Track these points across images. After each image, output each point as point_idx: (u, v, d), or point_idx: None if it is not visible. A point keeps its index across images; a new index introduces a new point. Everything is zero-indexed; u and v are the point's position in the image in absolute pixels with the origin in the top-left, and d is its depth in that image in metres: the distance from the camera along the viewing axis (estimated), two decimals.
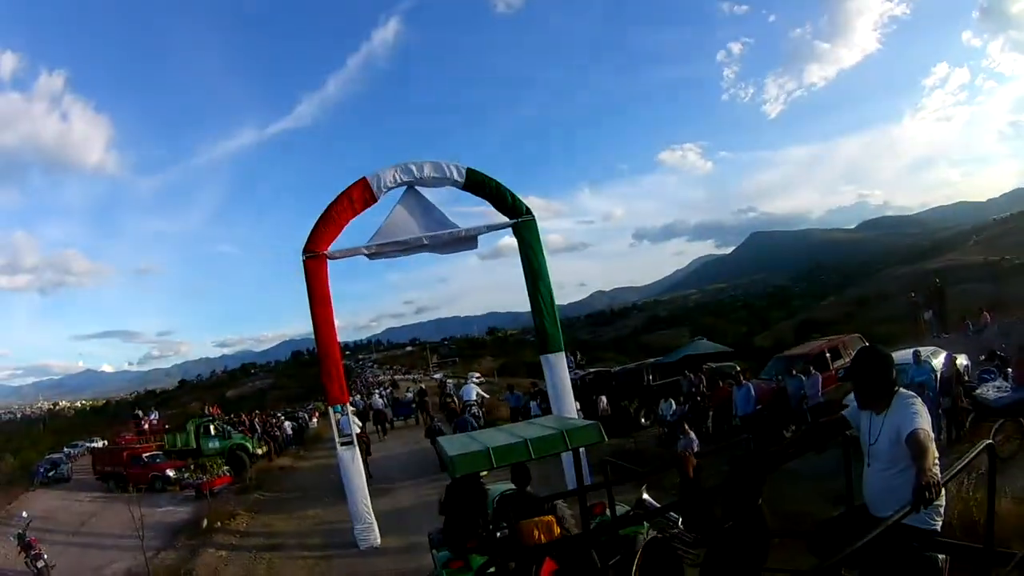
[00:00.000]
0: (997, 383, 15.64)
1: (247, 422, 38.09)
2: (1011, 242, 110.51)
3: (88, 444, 49.17)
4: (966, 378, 16.68)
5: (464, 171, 15.65)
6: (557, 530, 7.98)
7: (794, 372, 19.50)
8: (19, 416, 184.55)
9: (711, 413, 21.16)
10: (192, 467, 24.52)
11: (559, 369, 15.76)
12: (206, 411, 38.00)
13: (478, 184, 15.82)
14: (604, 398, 24.72)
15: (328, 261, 15.08)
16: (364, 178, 15.33)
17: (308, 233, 15.20)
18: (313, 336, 15.11)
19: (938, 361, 15.97)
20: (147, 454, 29.34)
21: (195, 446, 31.23)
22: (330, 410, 16.19)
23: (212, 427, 32.53)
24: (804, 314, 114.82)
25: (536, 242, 15.89)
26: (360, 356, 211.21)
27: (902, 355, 16.48)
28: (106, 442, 38.73)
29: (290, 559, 15.19)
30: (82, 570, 16.26)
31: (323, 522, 18.09)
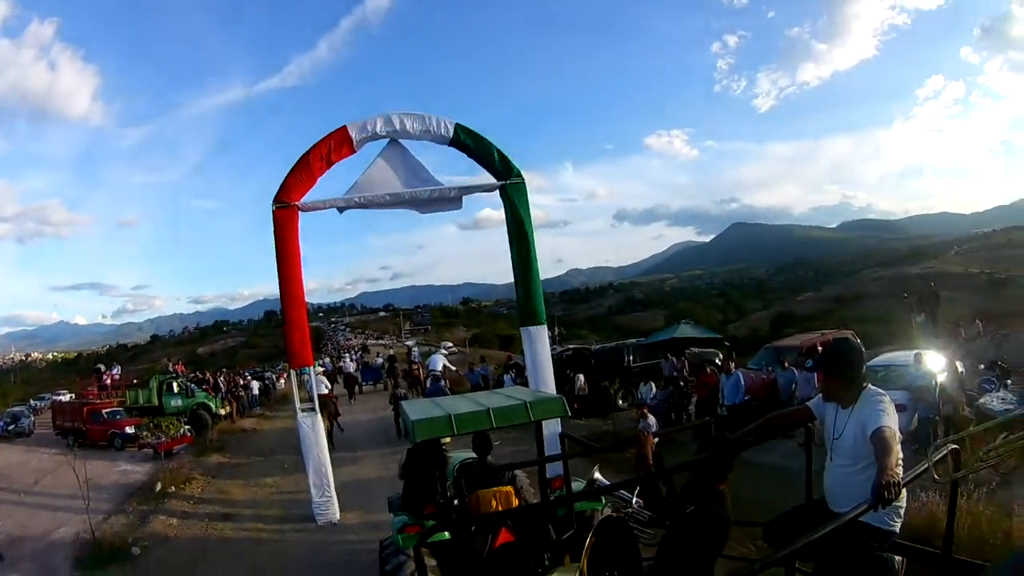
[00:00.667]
0: (1000, 394, 15.35)
1: (211, 380, 37.20)
2: (994, 256, 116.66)
3: (54, 397, 48.37)
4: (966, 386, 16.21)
5: (452, 126, 14.49)
6: (515, 501, 8.16)
7: (787, 364, 18.83)
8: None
9: (694, 400, 20.41)
10: (152, 426, 23.44)
11: (540, 343, 14.77)
12: (170, 368, 36.85)
13: (466, 141, 14.70)
14: (582, 376, 24.02)
15: (300, 213, 14.03)
16: (344, 126, 14.19)
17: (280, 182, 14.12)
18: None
19: (938, 366, 15.76)
20: (107, 410, 28.46)
21: (157, 403, 30.44)
22: (292, 373, 15.14)
23: (175, 384, 31.58)
24: (780, 307, 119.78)
25: (524, 207, 14.81)
26: (333, 319, 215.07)
27: (901, 355, 17.21)
28: (73, 396, 37.65)
29: (243, 531, 14.31)
30: (27, 534, 15.32)
31: (281, 491, 17.34)
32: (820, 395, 5.47)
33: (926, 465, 4.53)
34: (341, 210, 14.75)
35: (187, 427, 27.82)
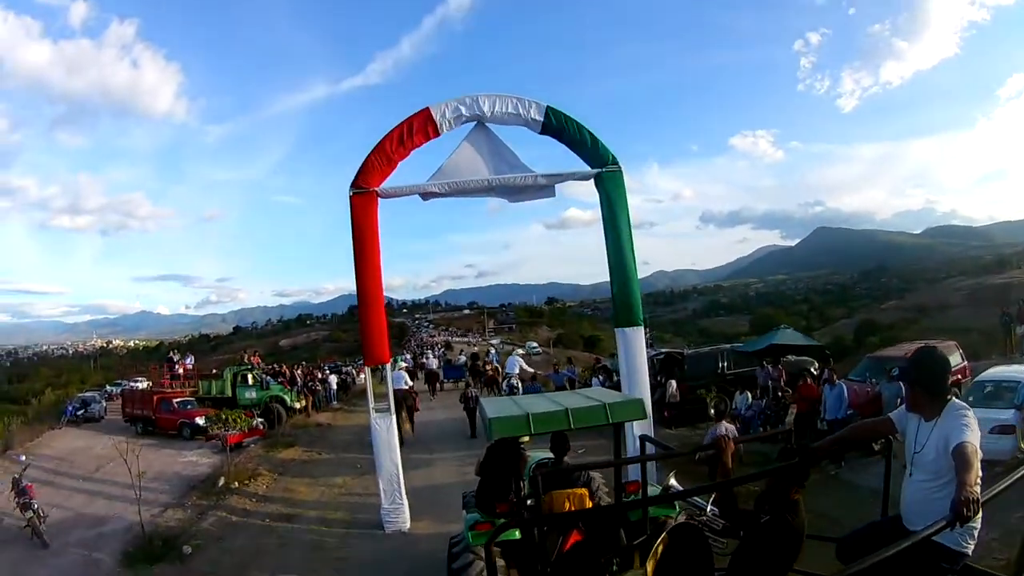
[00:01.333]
0: None
1: (288, 373, 36.04)
2: None
3: (129, 384, 48.25)
4: None
5: (544, 109, 13.38)
6: (589, 503, 8.13)
7: (893, 376, 17.14)
8: (71, 352, 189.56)
9: (792, 411, 19.01)
10: (224, 418, 22.80)
11: (635, 346, 13.58)
12: (245, 359, 36.16)
13: (558, 126, 13.56)
14: (674, 383, 22.27)
15: (380, 200, 13.09)
16: (427, 108, 13.20)
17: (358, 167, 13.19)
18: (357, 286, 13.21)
19: None
20: (178, 400, 28.18)
21: (231, 395, 29.91)
22: (366, 371, 14.24)
23: (250, 376, 30.82)
24: (864, 315, 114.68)
25: (621, 197, 13.65)
26: (417, 315, 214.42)
27: (1012, 370, 16.05)
28: (150, 383, 37.30)
29: (305, 534, 13.50)
30: (79, 523, 14.76)
31: (350, 492, 16.45)
32: (902, 407, 5.18)
33: (1008, 482, 4.14)
34: (425, 197, 13.75)
35: (260, 420, 26.64)
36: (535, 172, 13.53)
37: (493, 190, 13.90)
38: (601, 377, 23.95)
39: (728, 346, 27.56)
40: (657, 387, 20.80)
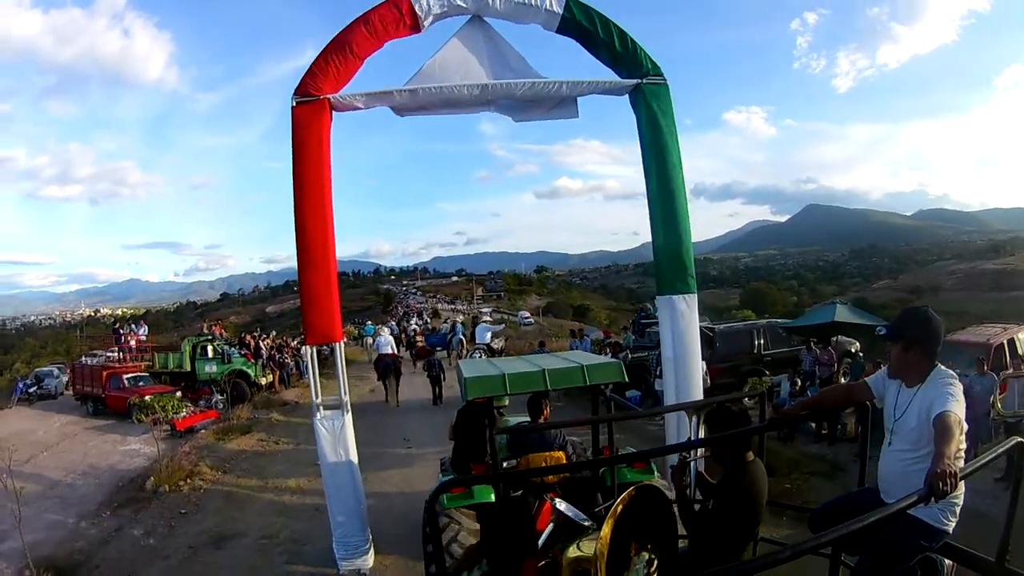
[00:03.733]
0: None
1: (251, 344, 32.53)
2: None
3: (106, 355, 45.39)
4: None
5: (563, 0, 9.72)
6: None
7: (986, 368, 13.94)
8: (59, 322, 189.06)
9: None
10: (150, 403, 19.80)
11: (687, 320, 9.99)
12: (205, 329, 32.70)
13: (583, 23, 9.81)
14: (704, 364, 18.52)
15: (335, 114, 9.46)
16: None
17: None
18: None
19: None
20: (129, 375, 25.34)
21: (190, 369, 27.57)
22: (306, 350, 10.48)
23: (210, 348, 27.99)
24: (855, 293, 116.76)
25: (668, 118, 9.96)
26: (405, 282, 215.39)
27: None
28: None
29: (236, 569, 10.17)
30: None
31: (304, 502, 13.16)
32: (881, 371, 4.98)
33: (989, 457, 4.09)
34: (399, 111, 10.01)
35: (219, 397, 24.76)
36: (550, 79, 9.80)
37: (492, 103, 10.13)
38: (609, 355, 20.50)
39: (765, 321, 23.82)
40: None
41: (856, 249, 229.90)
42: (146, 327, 34.97)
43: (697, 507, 5.53)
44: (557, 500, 6.10)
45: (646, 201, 10.12)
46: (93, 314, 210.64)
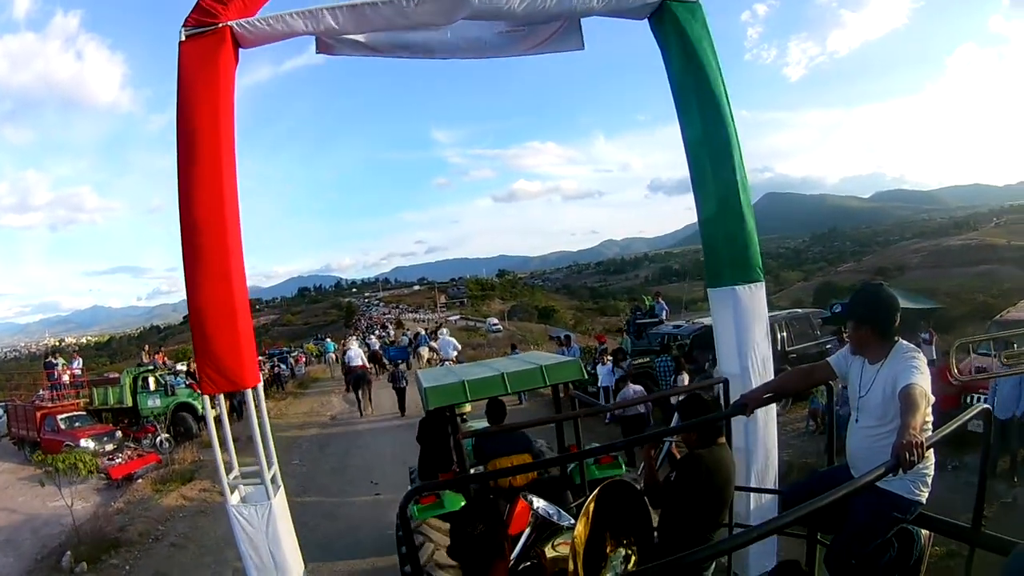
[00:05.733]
0: None
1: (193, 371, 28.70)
2: None
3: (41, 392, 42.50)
4: None
5: None
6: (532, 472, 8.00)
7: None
8: (24, 354, 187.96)
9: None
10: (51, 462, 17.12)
11: (753, 314, 7.36)
12: (146, 357, 29.42)
13: None
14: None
15: (240, 50, 6.67)
16: None
17: None
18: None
19: None
20: (64, 415, 22.37)
21: (131, 404, 24.23)
22: (205, 400, 7.36)
23: (151, 380, 24.93)
24: (821, 277, 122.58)
25: (706, 43, 7.38)
26: (366, 294, 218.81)
27: None
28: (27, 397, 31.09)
29: None
30: None
31: None
32: (843, 350, 4.90)
33: (953, 425, 3.80)
34: (331, 47, 7.33)
35: (165, 436, 22.60)
36: None
37: (472, 30, 7.43)
38: (611, 368, 17.45)
39: (786, 312, 19.36)
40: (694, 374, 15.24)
41: (817, 234, 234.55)
42: (80, 360, 31.79)
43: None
44: (534, 498, 5.80)
45: (685, 164, 7.59)
46: (58, 343, 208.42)
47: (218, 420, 6.63)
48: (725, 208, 7.06)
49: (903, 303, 14.76)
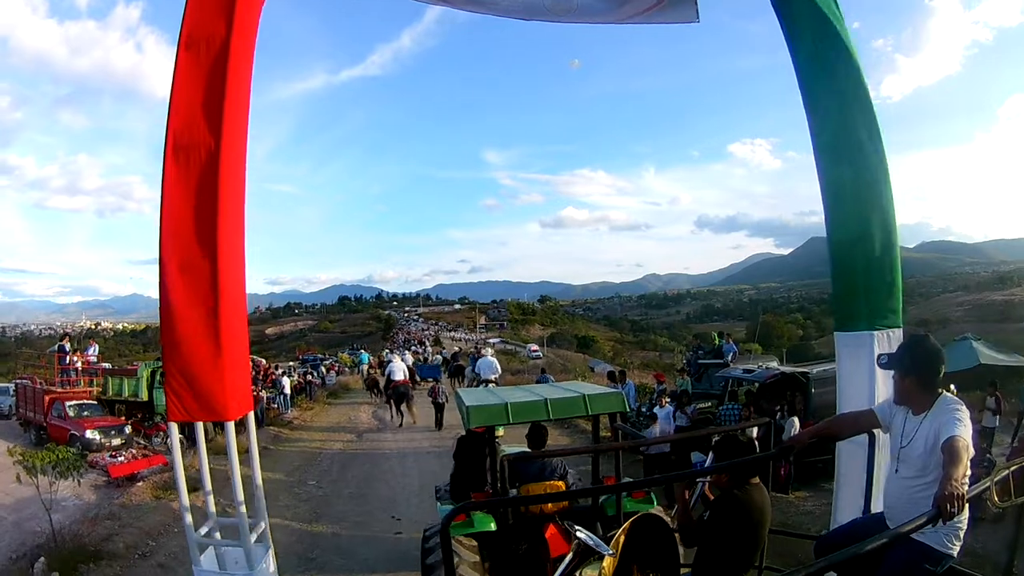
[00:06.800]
0: None
1: None
2: None
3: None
4: None
5: None
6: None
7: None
8: (58, 333, 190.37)
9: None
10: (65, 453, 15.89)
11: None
12: None
13: None
14: (796, 420, 13.36)
15: None
16: None
17: None
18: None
19: None
20: (72, 403, 22.05)
21: (147, 398, 23.32)
22: (171, 427, 6.16)
23: None
24: None
25: (838, 21, 6.07)
26: (406, 308, 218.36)
27: None
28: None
29: None
30: None
31: None
32: (888, 399, 4.92)
33: (997, 478, 3.88)
34: None
35: (179, 437, 19.77)
36: None
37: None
38: (675, 407, 14.91)
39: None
40: (764, 428, 11.83)
41: None
42: (95, 347, 30.91)
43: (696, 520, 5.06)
44: (578, 528, 5.41)
45: (815, 174, 6.53)
46: (94, 327, 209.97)
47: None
48: (865, 234, 5.71)
49: (994, 356, 14.24)
